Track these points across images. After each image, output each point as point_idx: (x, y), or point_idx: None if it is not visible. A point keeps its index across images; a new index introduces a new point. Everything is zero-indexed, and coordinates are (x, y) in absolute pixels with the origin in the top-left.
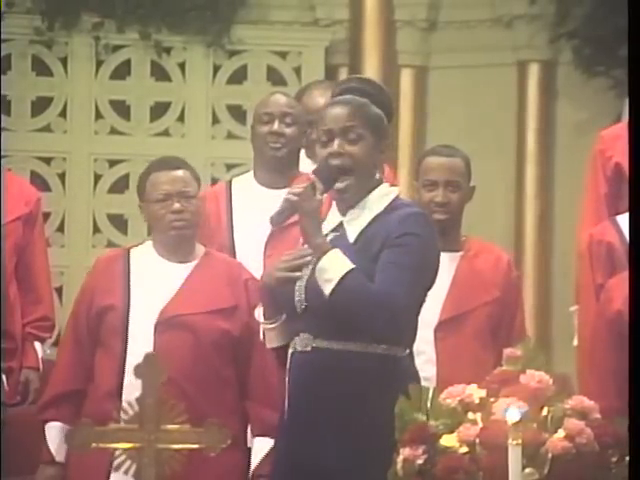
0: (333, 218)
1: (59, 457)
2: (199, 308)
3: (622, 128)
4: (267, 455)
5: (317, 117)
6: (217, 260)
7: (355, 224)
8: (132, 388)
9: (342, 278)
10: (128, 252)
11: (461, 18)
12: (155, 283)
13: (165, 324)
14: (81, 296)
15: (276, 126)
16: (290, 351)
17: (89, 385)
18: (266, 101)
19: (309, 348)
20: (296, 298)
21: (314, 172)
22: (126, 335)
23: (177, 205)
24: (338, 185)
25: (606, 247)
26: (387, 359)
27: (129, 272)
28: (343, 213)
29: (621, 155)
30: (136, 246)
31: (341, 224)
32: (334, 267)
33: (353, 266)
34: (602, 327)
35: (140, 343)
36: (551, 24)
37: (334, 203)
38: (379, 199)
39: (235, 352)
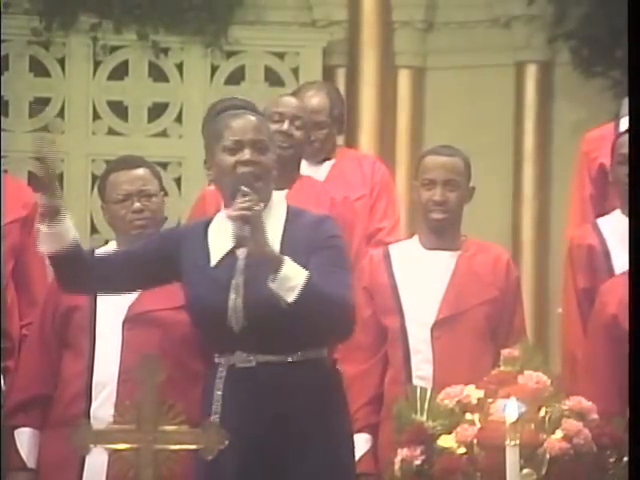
0: None
1: (30, 463)
2: (167, 304)
3: (607, 129)
4: None
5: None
6: None
7: (272, 234)
8: (101, 387)
9: (305, 284)
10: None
11: (459, 19)
12: None
13: (133, 321)
14: (48, 296)
15: (286, 126)
16: (224, 366)
17: (56, 389)
18: (278, 101)
19: (254, 364)
20: (231, 318)
21: (214, 183)
22: (94, 334)
23: (137, 204)
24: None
25: (587, 250)
26: (308, 363)
27: None
28: None
29: (605, 156)
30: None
31: None
32: (296, 273)
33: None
34: (597, 332)
35: (108, 341)
36: (549, 25)
37: None
38: (277, 206)
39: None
